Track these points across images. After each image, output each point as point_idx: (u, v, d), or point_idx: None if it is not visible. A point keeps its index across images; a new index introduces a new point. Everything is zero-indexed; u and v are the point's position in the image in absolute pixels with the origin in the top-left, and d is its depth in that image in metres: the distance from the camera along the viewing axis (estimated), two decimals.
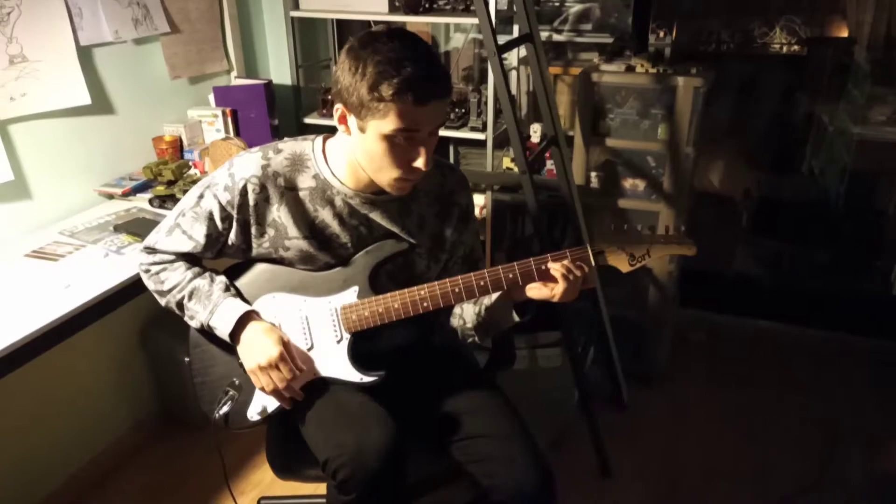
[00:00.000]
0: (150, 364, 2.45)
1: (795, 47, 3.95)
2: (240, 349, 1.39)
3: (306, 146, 1.41)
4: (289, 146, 1.41)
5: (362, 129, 1.24)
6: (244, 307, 1.39)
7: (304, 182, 1.38)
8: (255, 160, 1.37)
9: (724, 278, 3.19)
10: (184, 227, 1.43)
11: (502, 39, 1.91)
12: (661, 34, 2.35)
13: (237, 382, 1.45)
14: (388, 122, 1.19)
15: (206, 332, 1.44)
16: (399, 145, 1.23)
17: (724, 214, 3.70)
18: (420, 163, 1.24)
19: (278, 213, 1.38)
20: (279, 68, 2.94)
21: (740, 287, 3.15)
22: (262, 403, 1.44)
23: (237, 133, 2.54)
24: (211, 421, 1.43)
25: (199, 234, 1.42)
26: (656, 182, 2.44)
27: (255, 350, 1.36)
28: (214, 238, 1.42)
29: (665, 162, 2.39)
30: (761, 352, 2.85)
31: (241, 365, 1.45)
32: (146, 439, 2.41)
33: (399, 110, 1.18)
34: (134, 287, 1.66)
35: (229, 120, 2.50)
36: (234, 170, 1.38)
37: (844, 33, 3.96)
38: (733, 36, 3.57)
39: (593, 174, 2.51)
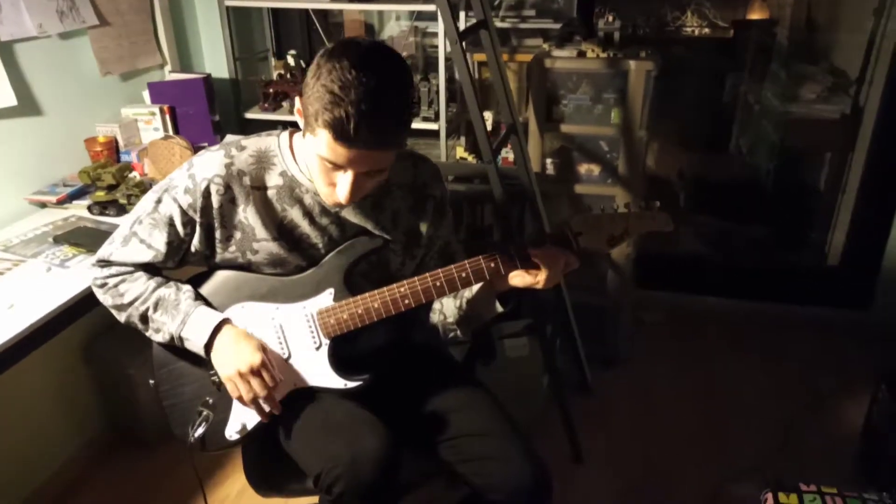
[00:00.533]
0: (96, 380, 2.29)
1: (707, 30, 4.07)
2: (215, 357, 1.30)
3: (271, 142, 1.33)
4: (252, 142, 1.32)
5: (304, 133, 1.19)
6: (219, 315, 1.31)
7: (271, 180, 1.30)
8: (218, 159, 1.28)
9: (669, 258, 3.26)
10: (141, 236, 1.32)
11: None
12: (611, 18, 2.35)
13: (211, 401, 1.37)
14: (318, 144, 1.14)
15: (173, 346, 1.35)
16: (328, 171, 1.18)
17: (662, 196, 3.79)
18: (340, 195, 1.19)
19: (245, 214, 1.29)
20: (215, 61, 2.80)
21: (685, 266, 3.22)
22: (240, 421, 1.36)
23: (176, 131, 2.40)
24: (187, 444, 1.34)
25: (159, 241, 1.31)
26: (611, 166, 2.45)
27: (234, 356, 1.28)
28: (176, 245, 1.33)
29: (618, 146, 2.41)
30: (713, 328, 2.93)
31: (214, 382, 1.36)
32: (98, 459, 2.26)
33: (327, 140, 1.12)
34: (85, 302, 1.54)
35: (167, 118, 2.35)
36: (194, 170, 1.28)
37: (766, 15, 4.11)
38: (648, 21, 3.64)
39: (548, 161, 2.50)
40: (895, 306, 2.76)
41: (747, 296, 3.02)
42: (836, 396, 2.48)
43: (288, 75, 2.73)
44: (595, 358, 2.61)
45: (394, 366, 1.48)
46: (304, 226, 1.32)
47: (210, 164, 1.28)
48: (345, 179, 1.17)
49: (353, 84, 1.07)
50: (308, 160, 1.22)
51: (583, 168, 2.49)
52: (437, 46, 2.72)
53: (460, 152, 2.66)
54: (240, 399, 1.30)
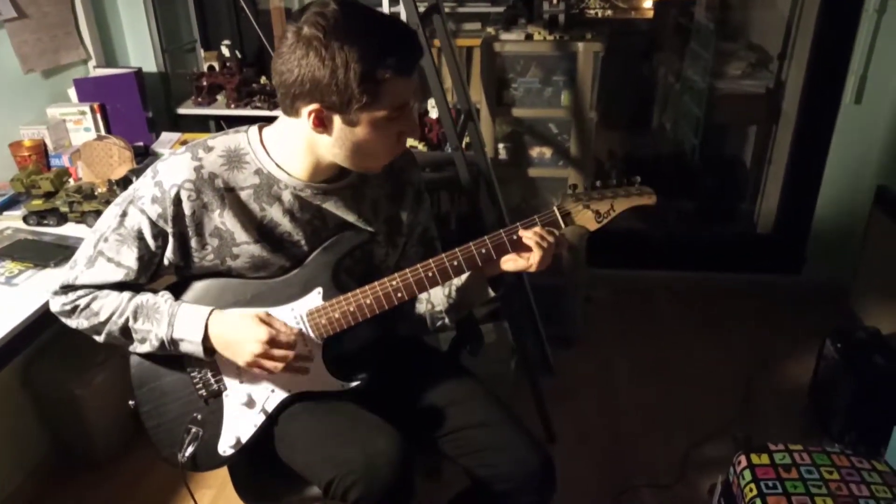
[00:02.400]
0: (37, 403, 2.13)
1: (609, 12, 4.18)
2: (220, 350, 1.23)
3: (240, 139, 1.25)
4: (220, 142, 1.24)
5: (352, 124, 1.12)
6: (207, 307, 1.23)
7: (246, 180, 1.23)
8: (185, 162, 1.20)
9: (607, 235, 3.33)
10: (108, 254, 1.23)
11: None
12: (555, 1, 2.36)
13: (199, 417, 1.29)
14: (383, 107, 1.11)
15: (153, 363, 1.26)
16: (392, 125, 1.15)
17: (596, 176, 3.88)
18: (413, 132, 1.20)
19: (221, 219, 1.22)
20: (140, 54, 2.63)
21: (624, 242, 3.31)
22: (234, 434, 1.29)
23: (108, 130, 2.24)
24: (179, 466, 1.26)
25: (129, 258, 1.22)
26: (562, 148, 2.48)
27: (241, 341, 1.20)
28: (147, 260, 1.24)
29: (567, 128, 2.44)
30: (657, 301, 3.03)
31: (202, 396, 1.28)
32: (46, 488, 2.10)
33: (395, 90, 1.10)
34: (41, 322, 1.41)
35: (98, 116, 2.19)
36: (160, 177, 1.19)
37: None
38: (558, 4, 3.70)
39: (500, 146, 2.50)
40: (825, 269, 2.94)
41: (686, 267, 3.14)
42: (780, 356, 2.62)
43: (224, 66, 2.59)
44: (552, 338, 2.64)
45: (384, 361, 1.44)
46: (286, 224, 1.25)
47: (177, 169, 1.19)
48: (410, 118, 1.17)
49: (377, 27, 1.09)
50: (357, 146, 1.17)
51: (534, 151, 2.50)
52: None
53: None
54: (270, 373, 1.24)
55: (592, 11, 4.09)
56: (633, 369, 2.60)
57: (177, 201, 1.19)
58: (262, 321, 1.21)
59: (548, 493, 1.33)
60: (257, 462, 1.37)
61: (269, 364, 1.21)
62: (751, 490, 1.70)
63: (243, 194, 1.22)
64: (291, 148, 1.22)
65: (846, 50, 2.60)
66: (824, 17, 2.63)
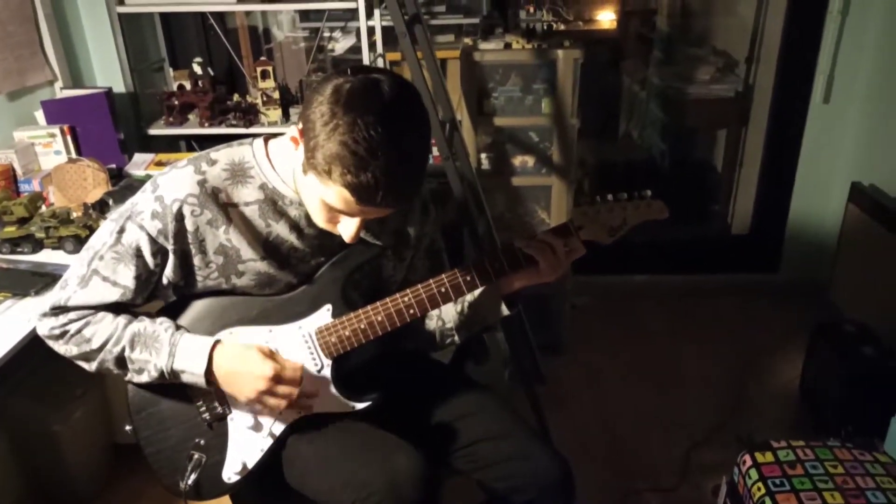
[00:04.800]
0: (11, 441, 2.01)
1: (563, 26, 4.24)
2: (224, 384, 1.17)
3: (245, 152, 1.20)
4: (223, 154, 1.19)
5: (305, 170, 1.06)
6: (210, 338, 1.17)
7: (250, 195, 1.18)
8: (187, 176, 1.15)
9: (585, 243, 3.34)
10: (104, 273, 1.16)
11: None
12: (532, 9, 2.37)
13: (202, 443, 1.23)
14: (327, 193, 1.03)
15: (152, 386, 1.20)
16: (331, 212, 1.08)
17: (579, 184, 3.89)
18: (345, 236, 1.10)
19: (227, 235, 1.17)
20: (107, 74, 2.55)
21: (602, 248, 3.32)
22: (240, 460, 1.23)
23: (79, 153, 2.15)
24: (182, 494, 1.19)
25: (126, 277, 1.16)
26: (544, 156, 2.47)
27: (245, 376, 1.15)
28: (145, 279, 1.18)
29: (549, 135, 2.44)
30: (640, 305, 3.04)
31: (205, 420, 1.22)
32: None
33: (342, 197, 1.02)
34: (25, 352, 1.33)
35: (69, 139, 2.11)
36: (161, 192, 1.14)
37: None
38: (534, 13, 3.73)
39: (483, 155, 2.48)
40: (801, 267, 2.99)
41: (664, 270, 3.16)
42: (766, 353, 2.65)
43: (195, 84, 2.53)
44: (540, 346, 2.62)
45: (391, 378, 1.39)
46: (293, 240, 1.21)
47: (180, 183, 1.14)
48: (351, 224, 1.08)
49: (380, 147, 0.96)
50: (305, 194, 1.10)
51: (517, 160, 2.49)
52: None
53: None
54: (272, 409, 1.19)
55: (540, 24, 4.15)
56: (623, 374, 2.59)
57: (179, 217, 1.13)
58: (267, 356, 1.16)
59: (569, 501, 1.30)
60: (264, 489, 1.31)
61: (272, 401, 1.16)
62: (759, 489, 1.70)
63: (248, 210, 1.18)
64: (296, 162, 1.17)
65: (813, 51, 2.66)
66: (790, 21, 2.70)
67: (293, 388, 1.16)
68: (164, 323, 1.19)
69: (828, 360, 2.16)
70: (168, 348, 1.15)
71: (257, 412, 1.23)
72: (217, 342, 1.17)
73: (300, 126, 1.05)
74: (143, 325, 1.18)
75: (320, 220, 1.11)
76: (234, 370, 1.16)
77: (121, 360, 1.17)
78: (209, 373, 1.15)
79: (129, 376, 1.19)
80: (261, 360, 1.15)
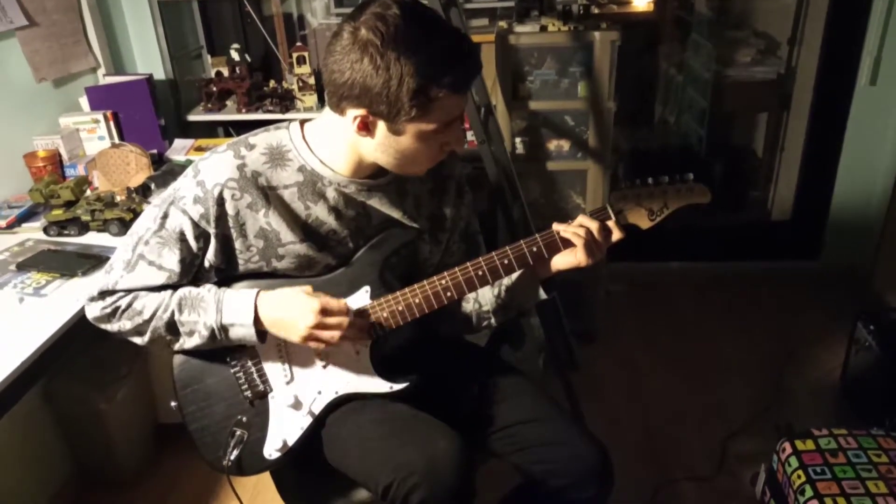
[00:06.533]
0: (59, 422, 2.07)
1: (598, 8, 4.12)
2: (273, 329, 1.18)
3: (282, 136, 1.22)
4: (261, 139, 1.21)
5: (398, 133, 1.10)
6: (252, 289, 1.19)
7: (290, 178, 1.20)
8: (227, 161, 1.17)
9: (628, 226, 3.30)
10: (149, 258, 1.19)
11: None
12: None
13: (244, 420, 1.25)
14: (432, 121, 1.08)
15: (202, 357, 1.24)
16: (437, 137, 1.12)
17: (615, 168, 3.84)
18: (459, 145, 1.16)
19: (267, 219, 1.19)
20: (148, 61, 2.59)
21: (637, 235, 3.28)
22: (280, 438, 1.25)
23: (121, 138, 2.20)
24: (224, 470, 1.22)
25: (171, 261, 1.19)
26: (580, 140, 2.45)
27: (295, 316, 1.15)
28: (189, 262, 1.20)
29: (585, 119, 2.41)
30: (675, 292, 3.00)
31: (247, 398, 1.25)
32: None
33: (447, 107, 1.07)
34: (73, 331, 1.37)
35: (112, 125, 2.15)
36: (202, 176, 1.16)
37: None
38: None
39: (517, 140, 2.47)
40: (843, 253, 2.92)
41: (700, 257, 3.11)
42: (805, 342, 2.60)
43: (233, 71, 2.56)
44: (574, 333, 2.61)
45: (428, 361, 1.40)
46: (331, 221, 1.22)
47: (220, 168, 1.16)
48: (456, 131, 1.14)
49: (438, 41, 1.04)
50: (401, 153, 1.14)
51: (552, 145, 2.47)
52: None
53: None
54: (327, 344, 1.18)
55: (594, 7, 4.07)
56: (658, 362, 2.56)
57: (220, 201, 1.15)
58: (309, 294, 1.17)
59: (607, 487, 1.30)
60: (303, 466, 1.33)
61: (325, 334, 1.16)
62: (798, 477, 1.68)
63: (287, 193, 1.19)
64: (335, 144, 1.19)
65: (860, 31, 2.58)
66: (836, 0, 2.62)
67: (343, 318, 1.16)
68: (206, 286, 1.21)
69: (871, 350, 2.11)
70: (215, 304, 1.17)
71: (298, 390, 1.25)
72: (260, 291, 1.19)
73: (360, 112, 1.07)
74: (187, 290, 1.21)
75: (429, 159, 1.17)
76: (281, 313, 1.17)
77: (171, 325, 1.19)
78: (258, 322, 1.17)
79: (180, 341, 1.21)
80: (305, 297, 1.16)
